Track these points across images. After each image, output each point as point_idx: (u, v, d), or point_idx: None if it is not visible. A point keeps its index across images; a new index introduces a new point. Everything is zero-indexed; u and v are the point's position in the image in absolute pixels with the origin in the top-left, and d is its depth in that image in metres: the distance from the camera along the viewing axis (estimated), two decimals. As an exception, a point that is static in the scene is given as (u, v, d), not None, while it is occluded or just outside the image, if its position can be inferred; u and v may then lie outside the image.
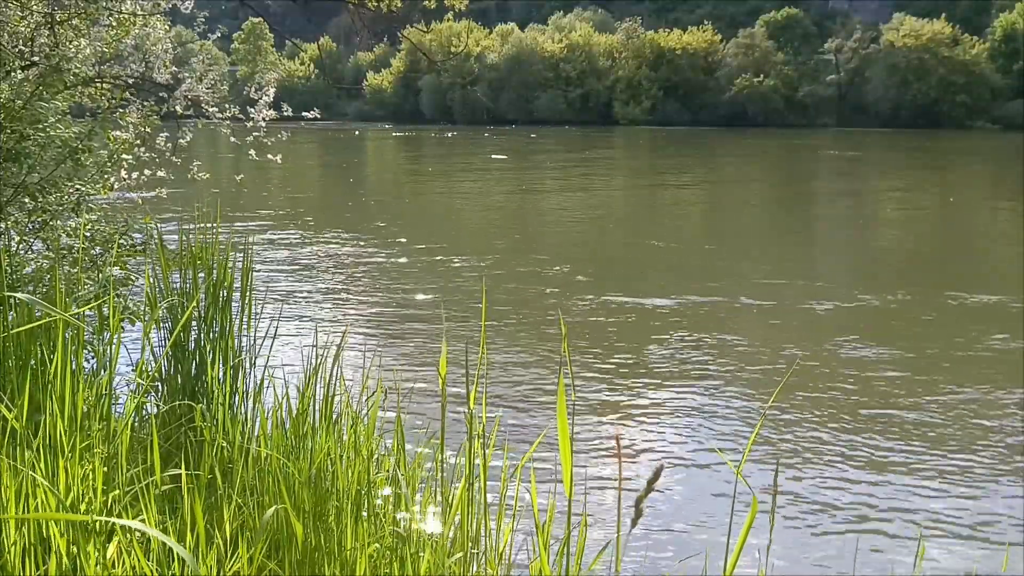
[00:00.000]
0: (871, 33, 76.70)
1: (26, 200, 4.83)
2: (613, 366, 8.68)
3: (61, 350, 2.44)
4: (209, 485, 2.85)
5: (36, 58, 5.25)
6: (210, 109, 6.12)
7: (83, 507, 2.33)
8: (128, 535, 2.30)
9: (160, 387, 3.79)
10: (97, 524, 2.20)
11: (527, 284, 12.53)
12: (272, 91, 6.38)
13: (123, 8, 5.80)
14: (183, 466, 2.55)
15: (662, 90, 79.75)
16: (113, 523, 2.29)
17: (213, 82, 6.10)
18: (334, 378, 3.29)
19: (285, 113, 6.48)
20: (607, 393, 7.90)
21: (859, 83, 74.92)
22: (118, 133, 5.77)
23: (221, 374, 3.53)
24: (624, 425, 7.14)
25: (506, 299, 11.49)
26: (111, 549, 2.33)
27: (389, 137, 60.94)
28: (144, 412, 3.64)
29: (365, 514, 2.86)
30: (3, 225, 4.75)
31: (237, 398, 3.64)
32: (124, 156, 5.82)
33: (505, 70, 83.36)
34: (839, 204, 24.99)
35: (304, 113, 6.81)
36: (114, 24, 5.87)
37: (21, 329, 2.93)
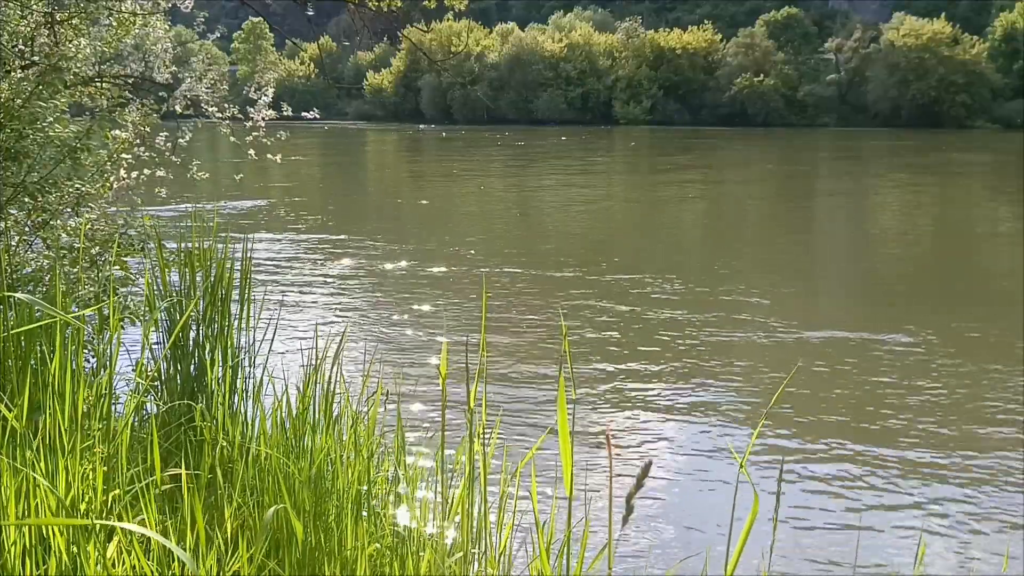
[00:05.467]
0: (871, 33, 76.63)
1: (26, 199, 4.83)
2: (614, 365, 8.67)
3: (61, 350, 2.43)
4: (209, 485, 2.84)
5: (36, 58, 5.24)
6: (210, 109, 6.12)
7: (83, 507, 2.32)
8: (128, 535, 2.30)
9: (160, 387, 3.78)
10: (97, 525, 2.20)
11: (529, 283, 12.53)
12: (271, 91, 6.38)
13: (123, 8, 5.80)
14: (183, 466, 2.55)
15: (662, 90, 79.73)
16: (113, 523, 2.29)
17: (213, 81, 6.10)
18: (334, 378, 3.29)
19: (285, 113, 6.48)
20: (608, 393, 7.90)
21: (859, 83, 74.88)
22: (117, 132, 5.76)
23: (221, 374, 3.53)
24: (624, 425, 7.14)
25: (507, 298, 11.48)
26: (111, 549, 2.32)
27: (442, 138, 59.59)
28: (144, 412, 3.64)
29: (365, 514, 2.86)
30: (3, 225, 4.74)
31: (237, 398, 3.64)
32: (123, 155, 5.81)
33: (505, 70, 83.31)
34: (839, 205, 24.98)
35: (304, 113, 6.80)
36: (114, 24, 5.87)
37: (23, 328, 2.93)
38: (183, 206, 15.96)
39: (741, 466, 1.80)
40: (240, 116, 6.20)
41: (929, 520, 5.55)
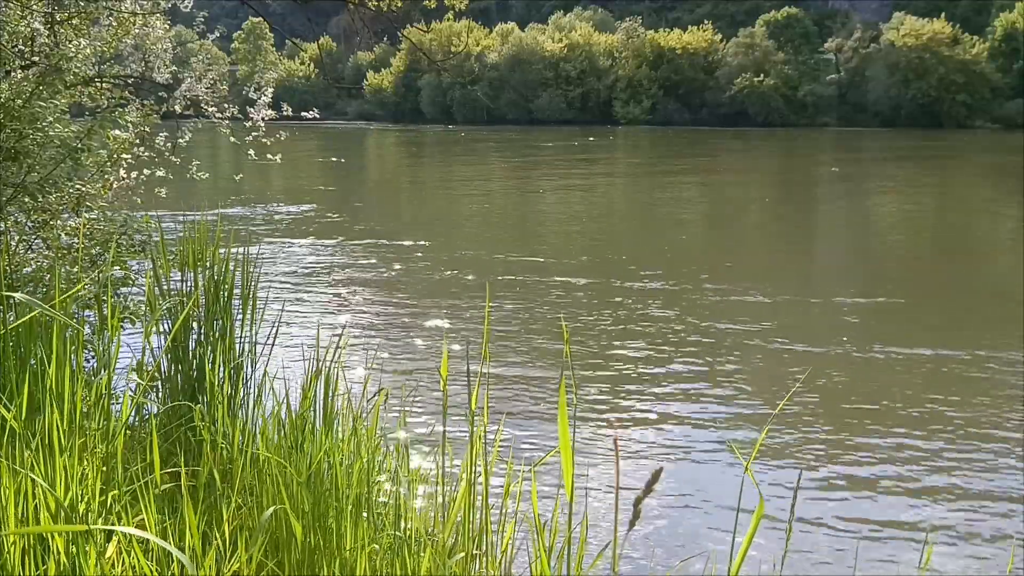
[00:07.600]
0: (871, 32, 76.53)
1: (26, 199, 4.82)
2: (615, 368, 8.67)
3: (58, 349, 2.43)
4: (209, 485, 2.84)
5: (36, 58, 5.24)
6: (209, 109, 6.11)
7: (82, 507, 2.31)
8: (127, 535, 2.29)
9: (160, 387, 3.78)
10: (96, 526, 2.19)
11: (530, 284, 12.52)
12: (271, 91, 6.37)
13: (123, 8, 5.79)
14: (183, 466, 2.55)
15: (662, 89, 79.65)
16: (112, 523, 2.28)
17: (212, 82, 6.10)
18: (334, 379, 3.28)
19: (285, 113, 6.48)
20: (610, 395, 7.89)
21: (859, 82, 74.80)
22: (117, 132, 5.76)
23: (221, 374, 3.52)
24: (626, 427, 7.13)
25: (508, 300, 11.48)
26: (110, 549, 2.32)
27: (480, 139, 59.16)
28: (144, 412, 3.64)
29: (365, 514, 2.85)
30: (3, 225, 4.74)
31: (237, 399, 3.63)
32: (123, 156, 5.81)
33: (505, 70, 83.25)
34: (839, 205, 24.97)
35: (303, 113, 6.80)
36: (114, 24, 5.87)
37: (17, 323, 2.92)
38: (232, 210, 16.27)
39: (746, 469, 1.80)
40: (240, 116, 6.21)
41: (935, 521, 5.54)
